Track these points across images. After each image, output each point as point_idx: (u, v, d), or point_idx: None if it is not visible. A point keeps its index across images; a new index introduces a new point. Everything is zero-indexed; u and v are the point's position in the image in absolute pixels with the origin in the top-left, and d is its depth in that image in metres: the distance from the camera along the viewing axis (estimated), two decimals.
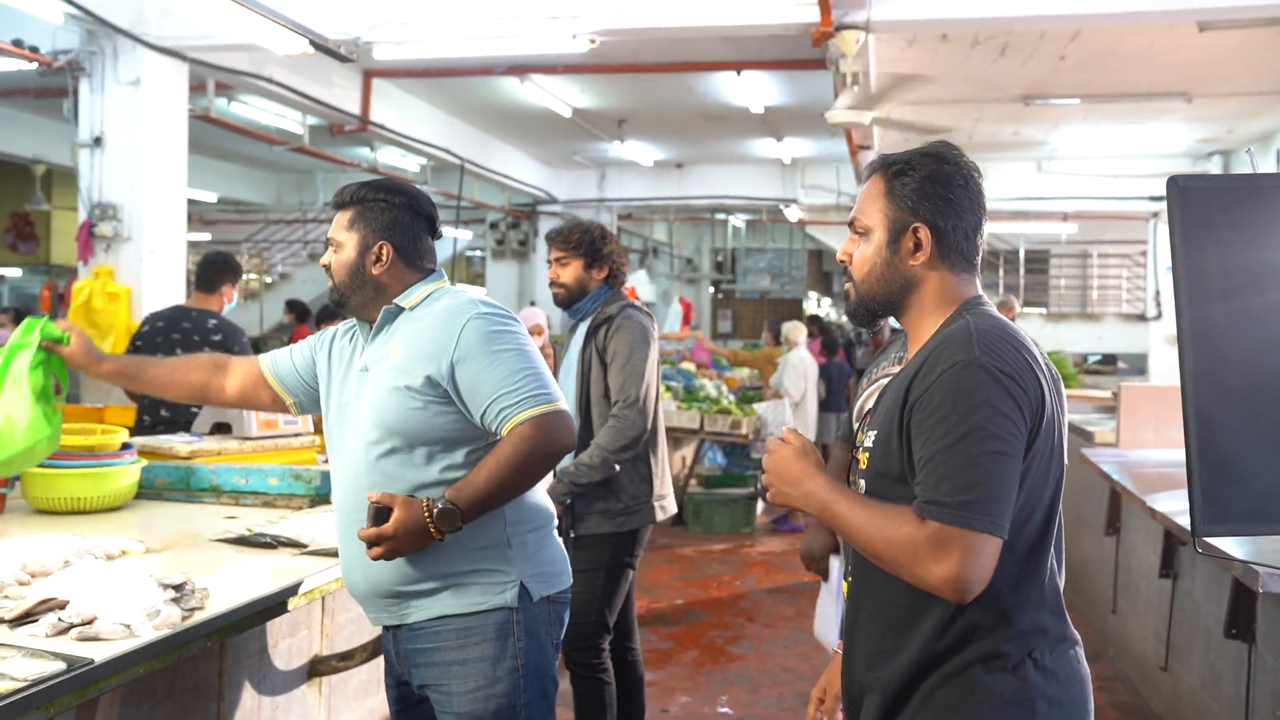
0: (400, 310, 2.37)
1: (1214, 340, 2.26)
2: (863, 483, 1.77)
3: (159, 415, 4.79)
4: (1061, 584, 1.75)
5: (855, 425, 2.93)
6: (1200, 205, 2.17)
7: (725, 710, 4.65)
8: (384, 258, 2.37)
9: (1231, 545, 2.99)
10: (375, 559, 2.18)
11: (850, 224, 1.83)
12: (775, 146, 13.65)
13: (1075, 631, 1.75)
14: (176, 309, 5.05)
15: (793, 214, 16.18)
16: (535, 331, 5.46)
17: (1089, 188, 13.33)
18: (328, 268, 2.42)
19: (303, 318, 11.11)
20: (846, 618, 1.84)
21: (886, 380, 3.20)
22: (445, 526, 2.16)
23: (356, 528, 2.21)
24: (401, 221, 2.40)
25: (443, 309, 2.32)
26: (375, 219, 2.39)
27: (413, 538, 2.15)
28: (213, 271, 4.98)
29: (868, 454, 1.76)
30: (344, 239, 2.39)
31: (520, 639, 2.27)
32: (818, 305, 24.29)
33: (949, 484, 1.56)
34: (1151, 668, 4.60)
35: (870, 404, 3.17)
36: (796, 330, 9.78)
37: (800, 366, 9.39)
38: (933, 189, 1.74)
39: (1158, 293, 13.80)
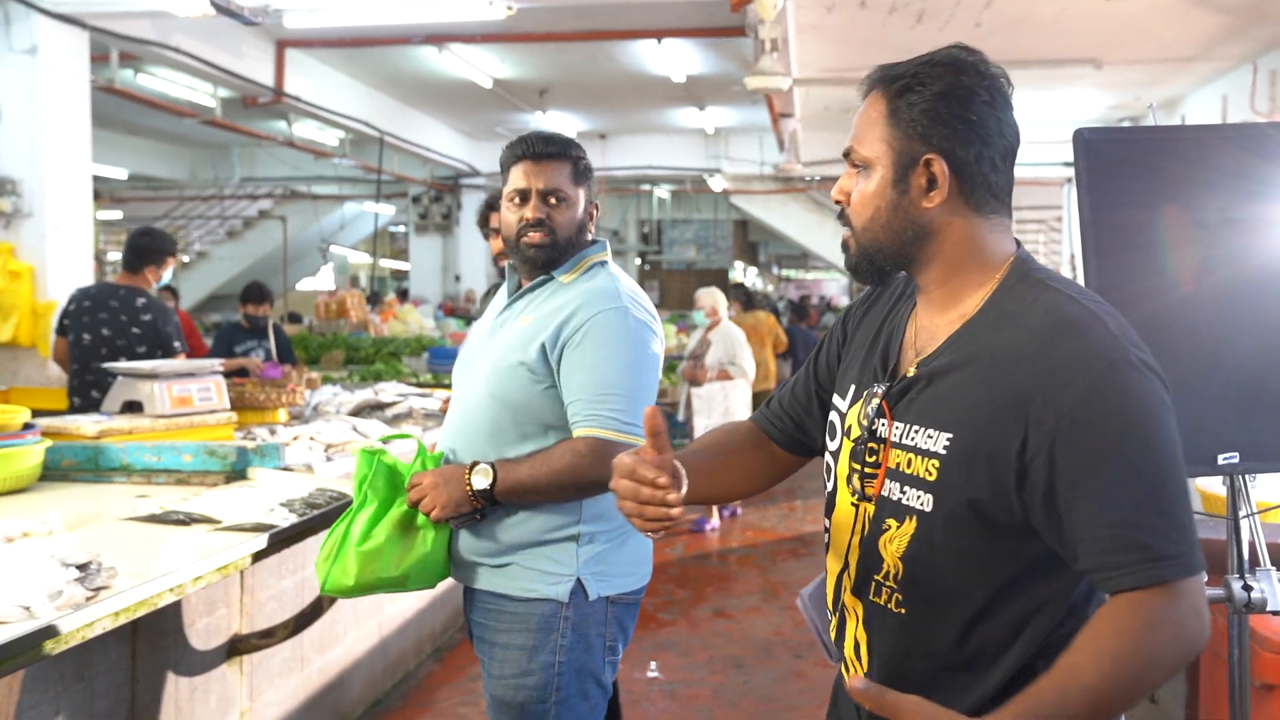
0: (550, 280, 2.28)
1: (1122, 293, 2.30)
2: (931, 498, 1.34)
3: (89, 397, 4.63)
4: None
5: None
6: (1105, 157, 2.20)
7: (655, 675, 4.68)
8: None
9: None
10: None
11: (845, 155, 1.42)
12: (698, 116, 13.65)
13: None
14: (104, 285, 4.95)
15: (717, 184, 16.22)
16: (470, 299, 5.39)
17: None
18: None
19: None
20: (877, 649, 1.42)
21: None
22: (478, 484, 2.14)
23: None
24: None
25: (587, 289, 2.22)
26: None
27: (449, 486, 2.15)
28: (132, 254, 4.88)
29: (937, 462, 1.33)
30: None
31: (565, 635, 2.18)
32: (744, 274, 24.48)
33: (1161, 529, 1.22)
34: None
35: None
36: (716, 296, 7.87)
37: (740, 337, 7.84)
38: (949, 109, 1.34)
39: (1073, 256, 14.11)
